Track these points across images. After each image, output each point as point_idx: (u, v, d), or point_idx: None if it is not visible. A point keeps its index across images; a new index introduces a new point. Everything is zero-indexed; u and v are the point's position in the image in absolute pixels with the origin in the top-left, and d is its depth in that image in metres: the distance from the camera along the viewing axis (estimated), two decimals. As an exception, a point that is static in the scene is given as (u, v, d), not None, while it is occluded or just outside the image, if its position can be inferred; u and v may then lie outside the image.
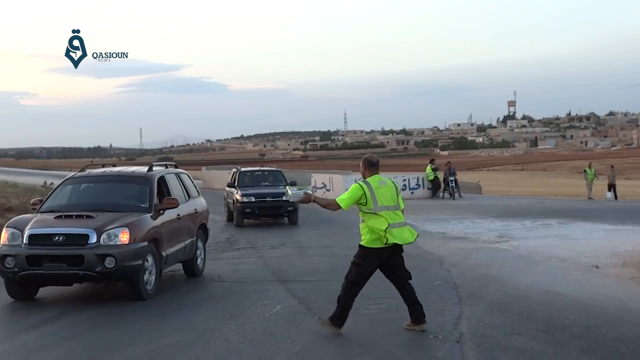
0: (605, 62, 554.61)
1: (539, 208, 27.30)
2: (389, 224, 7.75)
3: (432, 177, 34.22)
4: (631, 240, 16.28)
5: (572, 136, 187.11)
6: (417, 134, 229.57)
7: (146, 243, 10.15)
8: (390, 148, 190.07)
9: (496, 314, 8.90)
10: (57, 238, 9.77)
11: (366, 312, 8.91)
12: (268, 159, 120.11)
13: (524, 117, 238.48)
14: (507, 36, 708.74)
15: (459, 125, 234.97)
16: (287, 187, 9.37)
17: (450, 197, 33.13)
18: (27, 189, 37.28)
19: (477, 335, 7.83)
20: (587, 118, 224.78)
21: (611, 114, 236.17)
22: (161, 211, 10.89)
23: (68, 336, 8.33)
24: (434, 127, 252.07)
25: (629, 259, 13.54)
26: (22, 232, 9.92)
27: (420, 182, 34.65)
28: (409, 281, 8.11)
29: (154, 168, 12.01)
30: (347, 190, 8.14)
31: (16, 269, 9.77)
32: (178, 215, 11.46)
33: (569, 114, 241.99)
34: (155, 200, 10.97)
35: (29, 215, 11.01)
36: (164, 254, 10.75)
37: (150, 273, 10.28)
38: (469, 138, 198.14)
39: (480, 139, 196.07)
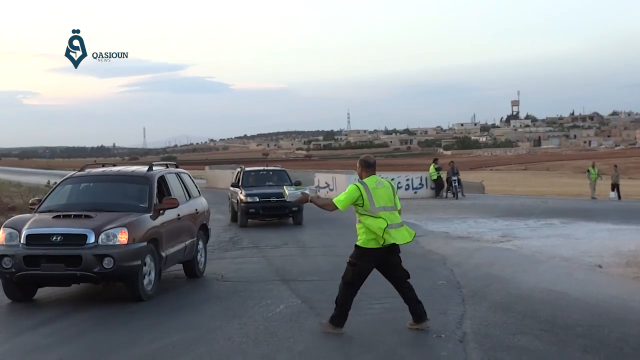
0: (609, 61, 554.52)
1: (542, 208, 27.28)
2: (387, 224, 7.76)
3: (435, 177, 34.18)
4: (634, 240, 16.27)
5: (575, 136, 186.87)
6: (421, 133, 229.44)
7: (145, 243, 10.01)
8: (393, 148, 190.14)
9: (499, 313, 8.89)
10: (54, 238, 9.64)
11: (370, 311, 8.92)
12: (271, 159, 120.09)
13: (527, 117, 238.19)
14: (511, 36, 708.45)
15: (462, 125, 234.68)
16: (284, 187, 9.33)
17: (454, 196, 33.11)
18: (30, 188, 37.37)
19: (480, 335, 7.83)
20: (591, 118, 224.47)
21: (615, 113, 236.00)
22: (161, 211, 10.76)
23: (69, 336, 8.30)
24: (437, 126, 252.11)
25: (632, 258, 13.53)
26: (20, 232, 9.79)
27: (424, 182, 34.62)
28: (408, 280, 8.11)
29: (154, 168, 11.88)
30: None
31: (13, 270, 9.63)
32: (178, 215, 11.34)
33: (573, 113, 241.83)
34: (155, 200, 10.84)
35: (27, 215, 10.88)
36: (163, 254, 10.61)
37: (149, 274, 10.15)
38: (472, 138, 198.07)
39: (484, 139, 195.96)
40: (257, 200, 21.23)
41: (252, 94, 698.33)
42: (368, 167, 8.13)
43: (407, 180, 34.64)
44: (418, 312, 8.01)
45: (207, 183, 50.51)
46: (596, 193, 36.51)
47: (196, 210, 12.40)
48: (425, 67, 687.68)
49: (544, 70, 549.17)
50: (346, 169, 40.93)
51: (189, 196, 12.42)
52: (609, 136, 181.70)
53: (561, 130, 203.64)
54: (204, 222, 12.84)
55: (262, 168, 24.78)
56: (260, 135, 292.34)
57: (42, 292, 10.60)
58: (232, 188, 23.22)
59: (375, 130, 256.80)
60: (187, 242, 11.68)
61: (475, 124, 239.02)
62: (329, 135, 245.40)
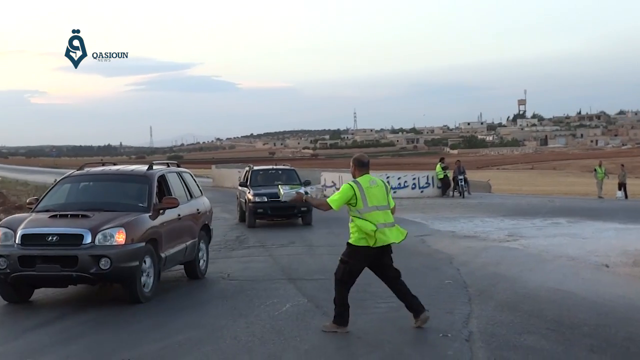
0: (616, 60, 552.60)
1: (549, 207, 27.25)
2: (376, 225, 7.80)
3: (441, 176, 34.17)
4: (641, 240, 16.23)
5: (582, 135, 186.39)
6: (427, 132, 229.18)
7: (144, 244, 9.77)
8: (399, 147, 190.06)
9: (506, 312, 8.89)
10: (50, 238, 9.42)
11: (376, 310, 8.93)
12: (278, 158, 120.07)
13: (534, 116, 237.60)
14: (518, 35, 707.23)
15: (469, 124, 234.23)
16: (279, 186, 9.33)
17: (460, 195, 33.12)
18: (37, 187, 37.51)
19: (486, 334, 7.83)
20: (598, 117, 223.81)
21: (622, 112, 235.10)
22: (161, 211, 10.53)
23: (70, 337, 8.19)
24: (444, 125, 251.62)
25: (639, 258, 13.51)
26: (15, 232, 9.58)
27: (430, 181, 34.62)
28: (400, 278, 8.17)
29: (154, 167, 11.64)
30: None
31: (8, 270, 9.40)
32: (179, 215, 11.10)
33: (579, 112, 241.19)
34: (155, 199, 10.62)
35: (23, 214, 10.70)
36: (162, 255, 10.38)
37: (147, 275, 9.91)
38: (479, 137, 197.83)
39: (490, 138, 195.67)
40: (266, 200, 20.81)
41: (258, 93, 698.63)
42: (361, 166, 8.16)
43: (414, 179, 34.65)
44: (414, 306, 8.06)
45: (214, 182, 50.64)
46: (603, 192, 36.44)
47: (198, 210, 12.17)
48: (432, 66, 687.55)
49: (551, 69, 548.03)
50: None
51: (191, 196, 12.19)
52: (615, 135, 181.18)
53: (568, 129, 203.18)
54: (206, 222, 12.60)
55: (270, 167, 24.37)
56: (266, 134, 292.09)
57: (41, 294, 10.46)
58: (240, 187, 22.96)
59: (382, 129, 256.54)
60: (187, 243, 11.44)
61: (481, 123, 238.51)
62: (336, 134, 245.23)
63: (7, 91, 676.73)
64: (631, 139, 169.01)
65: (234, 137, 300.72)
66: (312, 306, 9.40)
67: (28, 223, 9.80)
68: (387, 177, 34.10)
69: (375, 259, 8.00)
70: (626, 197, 35.88)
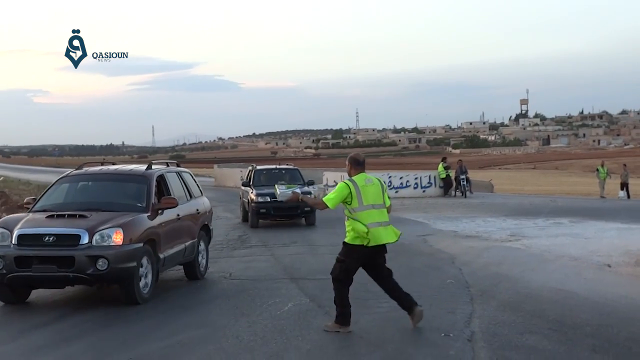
0: (619, 60, 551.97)
1: (551, 207, 27.23)
2: (367, 226, 7.81)
3: (443, 176, 34.14)
4: (644, 239, 16.21)
5: (584, 135, 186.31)
6: (429, 132, 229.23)
7: (141, 244, 9.67)
8: (402, 146, 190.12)
9: (508, 312, 8.89)
10: (47, 238, 9.31)
11: (378, 309, 8.93)
12: (280, 157, 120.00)
13: (536, 116, 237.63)
14: (520, 34, 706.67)
15: (471, 123, 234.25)
16: (275, 185, 9.35)
17: (462, 195, 33.10)
18: (40, 186, 37.55)
19: (488, 334, 7.83)
20: (600, 116, 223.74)
21: (624, 112, 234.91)
22: (159, 211, 10.42)
23: (70, 337, 8.15)
24: (446, 125, 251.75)
25: (641, 258, 13.49)
26: (11, 232, 9.46)
27: (432, 181, 34.59)
28: (393, 277, 8.20)
29: (153, 166, 11.53)
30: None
31: (4, 271, 9.30)
32: (178, 215, 11.00)
33: (582, 112, 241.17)
34: (154, 199, 10.51)
35: (20, 214, 10.58)
36: (161, 255, 10.28)
37: (146, 276, 9.81)
38: (481, 136, 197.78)
39: (493, 138, 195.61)
40: (269, 200, 20.43)
41: (261, 93, 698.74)
42: (357, 165, 8.20)
43: (416, 179, 34.63)
44: (407, 303, 8.09)
45: (216, 182, 50.68)
46: (605, 192, 36.44)
47: (197, 210, 12.06)
48: (435, 66, 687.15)
49: (553, 69, 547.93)
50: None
51: (190, 196, 12.08)
52: (618, 135, 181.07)
53: (570, 129, 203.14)
54: (206, 222, 12.50)
55: (274, 167, 24.05)
56: (269, 134, 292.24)
57: (40, 294, 10.40)
58: (243, 187, 22.78)
59: (384, 129, 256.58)
60: (187, 243, 11.33)
61: (484, 123, 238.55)
62: (338, 133, 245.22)
63: (10, 90, 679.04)
64: (633, 139, 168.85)
65: (236, 137, 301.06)
66: (314, 306, 9.41)
67: (25, 223, 9.70)
68: (389, 177, 34.16)
69: (370, 258, 8.04)
70: (628, 196, 35.86)
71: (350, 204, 7.92)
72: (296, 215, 21.52)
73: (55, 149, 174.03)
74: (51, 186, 11.23)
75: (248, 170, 23.95)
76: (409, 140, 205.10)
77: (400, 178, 34.53)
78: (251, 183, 21.91)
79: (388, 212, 8.16)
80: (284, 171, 23.05)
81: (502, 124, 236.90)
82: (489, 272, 12.10)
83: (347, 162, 8.27)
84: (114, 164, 12.46)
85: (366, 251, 7.93)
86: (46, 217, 9.89)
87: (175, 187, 11.54)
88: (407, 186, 34.00)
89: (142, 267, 9.71)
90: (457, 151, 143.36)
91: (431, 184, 34.55)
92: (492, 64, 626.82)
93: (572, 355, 7.09)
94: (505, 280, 11.31)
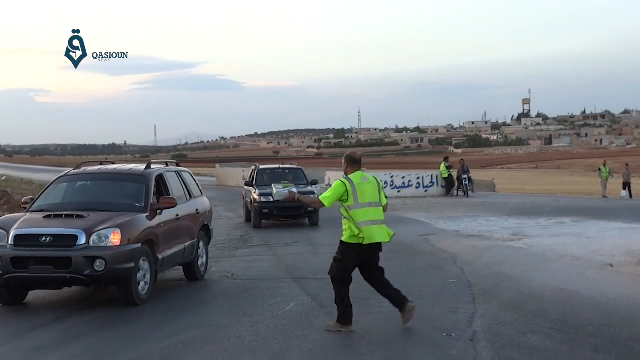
0: (621, 60, 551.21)
1: (553, 206, 27.22)
2: (359, 224, 7.86)
3: (446, 175, 34.14)
4: (646, 239, 16.20)
5: (586, 134, 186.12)
6: (431, 131, 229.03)
7: (140, 245, 9.56)
8: (404, 146, 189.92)
9: (510, 312, 8.89)
10: (44, 239, 9.21)
11: (380, 309, 8.92)
12: (282, 157, 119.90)
13: (538, 115, 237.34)
14: (523, 34, 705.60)
15: (473, 123, 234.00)
16: (272, 185, 9.36)
17: (464, 195, 33.09)
18: (42, 185, 37.41)
19: (490, 334, 7.83)
20: (602, 116, 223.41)
21: (626, 112, 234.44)
22: (158, 211, 10.31)
23: (70, 337, 8.13)
24: (448, 125, 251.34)
25: (644, 257, 13.48)
26: (8, 232, 9.37)
27: (434, 180, 34.59)
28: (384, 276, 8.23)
29: (152, 166, 11.41)
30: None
31: (1, 272, 9.22)
32: (177, 215, 10.90)
33: (584, 112, 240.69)
34: (153, 199, 10.39)
35: (17, 214, 10.47)
36: (160, 256, 10.18)
37: (144, 277, 9.70)
38: (483, 136, 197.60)
39: (495, 137, 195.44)
40: (272, 200, 19.97)
41: (263, 92, 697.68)
42: (353, 163, 8.23)
43: (418, 178, 34.64)
44: (398, 300, 8.11)
45: (218, 181, 50.67)
46: (607, 192, 36.41)
47: (197, 210, 11.95)
48: (437, 66, 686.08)
49: (556, 69, 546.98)
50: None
51: (190, 196, 11.97)
52: (620, 134, 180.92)
53: (572, 128, 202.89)
54: (206, 222, 12.38)
55: (277, 166, 23.83)
56: (271, 133, 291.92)
57: (37, 295, 10.33)
58: (246, 187, 22.58)
59: (386, 129, 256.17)
60: (186, 244, 11.23)
61: (486, 122, 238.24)
62: (340, 133, 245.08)
63: (12, 90, 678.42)
64: (636, 138, 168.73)
65: (238, 136, 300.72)
66: (316, 305, 9.41)
67: (22, 223, 9.61)
68: (392, 176, 34.18)
69: (367, 257, 8.06)
70: (631, 196, 35.84)
71: (346, 202, 7.96)
72: (299, 215, 21.32)
73: (58, 149, 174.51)
74: (49, 186, 11.15)
75: (251, 170, 23.75)
76: (411, 139, 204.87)
77: (403, 178, 34.55)
78: (254, 183, 21.70)
79: (384, 210, 8.20)
80: (287, 171, 22.88)
81: (504, 124, 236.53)
82: (491, 272, 12.10)
83: (343, 161, 8.32)
84: (113, 163, 12.37)
85: (363, 249, 7.94)
86: (43, 217, 9.79)
87: (174, 186, 11.45)
88: (409, 186, 34.00)
89: (140, 268, 9.62)
90: (460, 151, 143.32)
91: (433, 183, 34.56)
92: (493, 64, 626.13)
93: (575, 355, 7.08)
94: (507, 279, 11.31)
